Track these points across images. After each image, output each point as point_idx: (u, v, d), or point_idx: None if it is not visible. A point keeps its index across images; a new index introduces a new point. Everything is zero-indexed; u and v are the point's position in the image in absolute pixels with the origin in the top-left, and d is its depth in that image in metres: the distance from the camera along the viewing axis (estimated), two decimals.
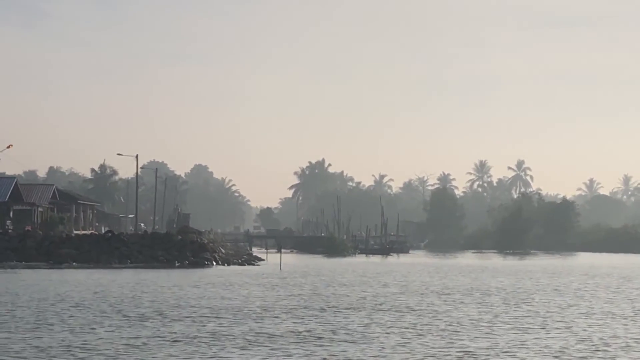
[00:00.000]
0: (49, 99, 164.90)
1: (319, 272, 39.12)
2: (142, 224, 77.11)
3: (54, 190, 55.90)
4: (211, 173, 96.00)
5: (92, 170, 76.57)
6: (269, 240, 72.23)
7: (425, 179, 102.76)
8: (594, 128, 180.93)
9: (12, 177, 53.64)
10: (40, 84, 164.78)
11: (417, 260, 53.33)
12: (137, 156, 59.65)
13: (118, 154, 59.01)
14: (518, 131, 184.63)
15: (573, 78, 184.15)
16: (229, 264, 45.68)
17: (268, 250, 56.54)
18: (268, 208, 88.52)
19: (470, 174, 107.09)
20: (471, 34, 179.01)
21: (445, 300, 20.84)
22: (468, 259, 54.52)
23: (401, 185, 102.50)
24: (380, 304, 19.53)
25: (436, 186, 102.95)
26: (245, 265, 46.42)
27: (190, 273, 38.33)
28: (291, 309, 18.32)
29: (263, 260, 49.78)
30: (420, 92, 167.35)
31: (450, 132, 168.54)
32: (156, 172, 67.65)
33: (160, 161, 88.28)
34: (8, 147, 49.38)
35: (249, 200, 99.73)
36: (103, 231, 60.71)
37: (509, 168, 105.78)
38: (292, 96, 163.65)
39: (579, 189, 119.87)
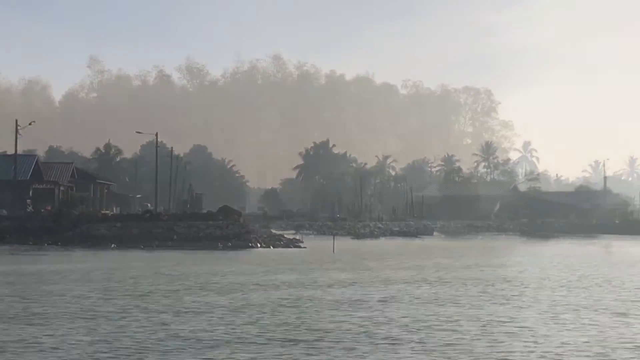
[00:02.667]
0: None
1: (385, 255, 36.69)
2: (148, 204, 74.27)
3: (73, 169, 52.94)
4: (210, 154, 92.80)
5: (97, 149, 73.23)
6: (282, 222, 69.99)
7: (430, 160, 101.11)
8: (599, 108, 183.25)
9: (32, 155, 50.53)
10: None
11: (463, 243, 49.87)
12: (157, 134, 57.29)
13: (137, 132, 56.65)
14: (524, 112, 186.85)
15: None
16: (273, 247, 43.46)
17: (285, 232, 54.16)
18: (273, 189, 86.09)
19: (476, 155, 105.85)
20: None
21: None
22: (530, 244, 50.23)
23: (404, 166, 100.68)
24: None
25: (439, 167, 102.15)
26: (290, 247, 44.07)
27: (258, 255, 35.96)
28: None
29: (302, 242, 47.31)
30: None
31: None
32: (172, 152, 64.64)
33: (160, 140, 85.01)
34: (30, 124, 46.30)
35: (248, 181, 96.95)
36: (114, 211, 58.18)
37: (515, 149, 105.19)
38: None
39: (584, 171, 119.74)
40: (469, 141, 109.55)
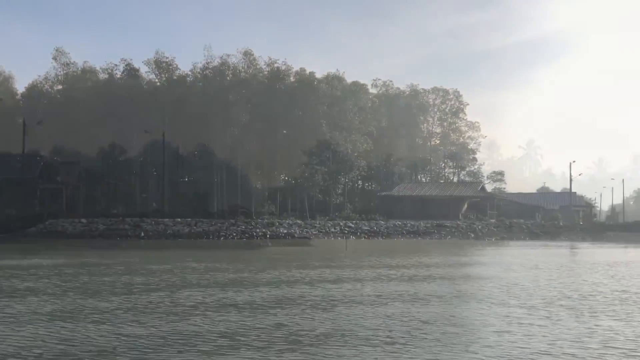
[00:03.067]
0: None
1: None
2: (154, 203, 73.17)
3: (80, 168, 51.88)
4: (177, 149, 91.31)
5: (101, 149, 71.35)
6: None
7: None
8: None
9: (40, 155, 49.35)
10: None
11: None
12: (163, 134, 56.56)
13: (145, 131, 55.90)
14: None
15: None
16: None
17: None
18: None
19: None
20: None
21: None
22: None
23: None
24: None
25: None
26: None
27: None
28: None
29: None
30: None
31: None
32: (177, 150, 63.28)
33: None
34: (38, 124, 45.05)
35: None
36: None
37: (519, 147, 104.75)
38: None
39: (589, 167, 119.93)
40: (437, 141, 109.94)
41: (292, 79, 78.50)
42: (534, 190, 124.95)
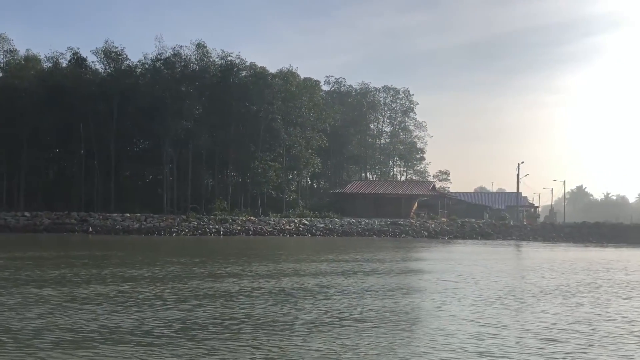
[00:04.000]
0: None
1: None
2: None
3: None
4: None
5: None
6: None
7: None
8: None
9: None
10: None
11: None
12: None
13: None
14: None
15: None
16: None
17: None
18: None
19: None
20: None
21: None
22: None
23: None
24: None
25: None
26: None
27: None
28: None
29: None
30: None
31: None
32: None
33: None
34: None
35: None
36: None
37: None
38: None
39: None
40: (387, 140, 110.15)
41: (245, 73, 76.95)
42: (471, 190, 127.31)
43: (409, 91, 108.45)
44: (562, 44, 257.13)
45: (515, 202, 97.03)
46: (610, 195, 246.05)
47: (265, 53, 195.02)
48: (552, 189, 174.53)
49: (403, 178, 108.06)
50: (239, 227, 62.28)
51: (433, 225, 68.89)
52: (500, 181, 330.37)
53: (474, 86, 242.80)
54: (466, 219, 75.55)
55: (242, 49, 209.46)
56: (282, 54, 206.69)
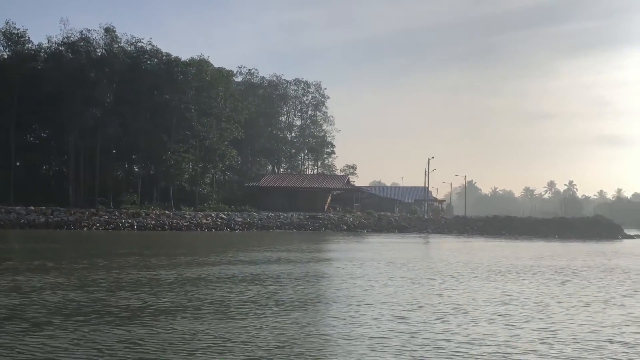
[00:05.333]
0: None
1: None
2: None
3: None
4: None
5: None
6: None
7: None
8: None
9: None
10: None
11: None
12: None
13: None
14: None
15: None
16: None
17: None
18: None
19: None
20: None
21: None
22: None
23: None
24: None
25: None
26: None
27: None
28: None
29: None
30: None
31: None
32: None
33: None
34: None
35: None
36: None
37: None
38: None
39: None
40: (297, 133, 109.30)
41: (158, 59, 73.79)
42: (367, 184, 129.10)
43: (320, 85, 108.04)
44: (450, 43, 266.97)
45: (423, 196, 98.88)
46: (497, 190, 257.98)
47: (183, 40, 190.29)
48: (451, 184, 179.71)
49: (313, 172, 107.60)
50: (154, 222, 59.65)
51: (351, 219, 68.71)
52: (406, 176, 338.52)
53: (368, 82, 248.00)
54: (382, 213, 75.97)
55: (159, 34, 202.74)
56: (176, 43, 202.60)
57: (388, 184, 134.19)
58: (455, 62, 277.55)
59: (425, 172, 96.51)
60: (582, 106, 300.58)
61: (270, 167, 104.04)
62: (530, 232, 66.58)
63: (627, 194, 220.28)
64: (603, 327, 13.12)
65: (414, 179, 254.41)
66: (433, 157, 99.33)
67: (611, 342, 11.60)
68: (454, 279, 21.51)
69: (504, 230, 67.87)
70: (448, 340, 11.32)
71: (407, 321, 13.12)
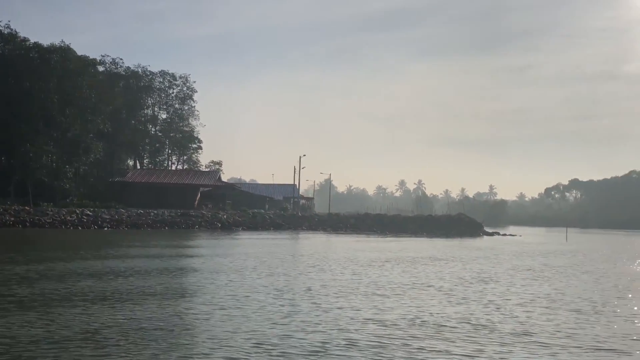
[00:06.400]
0: None
1: None
2: None
3: None
4: None
5: None
6: None
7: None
8: None
9: None
10: None
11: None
12: None
13: None
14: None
15: None
16: None
17: None
18: None
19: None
20: None
21: None
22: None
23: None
24: None
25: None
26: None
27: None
28: None
29: None
30: None
31: None
32: None
33: None
34: None
35: None
36: None
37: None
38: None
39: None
40: (163, 127, 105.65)
41: (13, 46, 68.30)
42: (246, 180, 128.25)
43: (187, 77, 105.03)
44: (304, 44, 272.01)
45: (292, 194, 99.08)
46: (352, 188, 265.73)
47: (40, 24, 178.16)
48: (314, 181, 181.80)
49: (178, 167, 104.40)
50: (13, 218, 55.05)
51: (225, 217, 67.17)
52: (277, 173, 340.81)
53: (219, 77, 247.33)
54: (255, 210, 75.01)
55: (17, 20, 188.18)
56: (26, 29, 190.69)
57: (260, 182, 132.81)
58: (311, 62, 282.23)
59: (294, 169, 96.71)
60: (431, 110, 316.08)
61: (131, 162, 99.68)
62: (398, 230, 68.41)
63: (470, 193, 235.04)
64: None
65: (283, 177, 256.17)
66: (305, 155, 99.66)
67: None
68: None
69: (375, 227, 69.23)
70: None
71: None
